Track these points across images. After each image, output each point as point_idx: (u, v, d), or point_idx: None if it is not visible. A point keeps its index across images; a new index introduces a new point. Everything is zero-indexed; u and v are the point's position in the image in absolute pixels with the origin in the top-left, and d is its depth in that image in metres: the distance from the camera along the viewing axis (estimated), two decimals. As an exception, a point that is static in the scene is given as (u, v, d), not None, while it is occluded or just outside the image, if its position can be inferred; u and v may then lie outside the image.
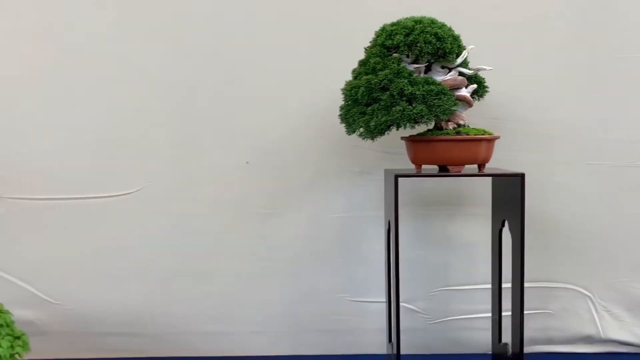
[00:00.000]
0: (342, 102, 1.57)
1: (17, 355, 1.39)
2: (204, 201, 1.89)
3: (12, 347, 1.38)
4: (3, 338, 1.37)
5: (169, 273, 1.90)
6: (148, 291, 1.90)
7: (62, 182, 1.88)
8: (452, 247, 1.92)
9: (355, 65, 1.59)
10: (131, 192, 1.89)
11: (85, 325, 1.90)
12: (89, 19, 1.83)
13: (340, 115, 1.57)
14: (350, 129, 1.52)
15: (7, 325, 1.41)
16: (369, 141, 1.61)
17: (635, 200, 1.89)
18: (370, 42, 1.52)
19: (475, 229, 1.88)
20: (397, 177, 1.46)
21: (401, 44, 1.42)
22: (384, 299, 1.85)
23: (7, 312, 1.44)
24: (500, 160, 1.70)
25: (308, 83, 1.85)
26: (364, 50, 1.54)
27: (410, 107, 1.38)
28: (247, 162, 1.88)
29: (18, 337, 1.42)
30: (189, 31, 1.85)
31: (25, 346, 1.43)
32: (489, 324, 1.83)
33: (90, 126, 1.87)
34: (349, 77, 1.60)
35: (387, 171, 1.68)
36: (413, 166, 1.57)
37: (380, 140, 1.60)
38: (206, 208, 1.89)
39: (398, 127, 1.47)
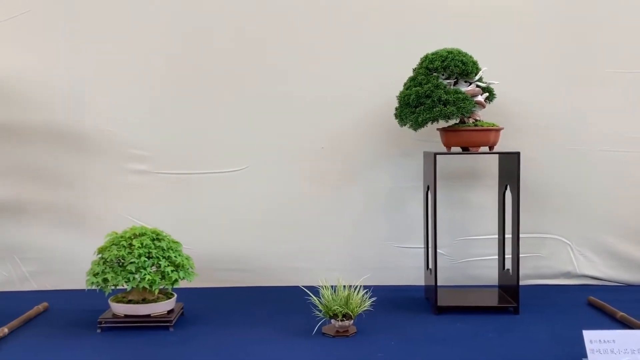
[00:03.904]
0: (396, 105, 2.32)
1: (190, 268, 2.14)
2: (292, 175, 2.64)
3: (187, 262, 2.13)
4: (182, 256, 2.12)
5: (268, 225, 2.65)
6: (252, 238, 2.66)
7: (193, 161, 2.64)
8: (469, 208, 2.65)
9: (399, 77, 2.33)
10: (240, 169, 2.65)
11: (207, 263, 2.62)
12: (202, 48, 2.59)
13: (395, 113, 2.32)
14: (403, 122, 2.27)
15: (180, 250, 2.16)
16: (411, 132, 2.35)
17: (603, 175, 2.61)
18: (417, 64, 2.26)
19: (486, 195, 2.61)
20: (435, 154, 2.20)
21: (439, 67, 2.16)
22: (420, 245, 2.59)
23: (179, 243, 2.18)
24: (507, 146, 2.39)
25: (365, 90, 2.59)
26: (412, 70, 2.28)
27: (445, 108, 2.12)
28: (323, 147, 2.63)
29: (187, 258, 2.17)
30: (279, 55, 2.58)
31: (192, 264, 2.18)
32: (495, 264, 2.55)
33: (208, 123, 2.62)
34: (395, 87, 2.33)
35: (425, 152, 2.41)
36: (442, 149, 2.30)
37: (418, 132, 2.34)
38: (293, 180, 2.64)
39: (434, 121, 2.21)
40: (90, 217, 2.64)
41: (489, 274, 2.59)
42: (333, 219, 2.66)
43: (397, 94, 2.31)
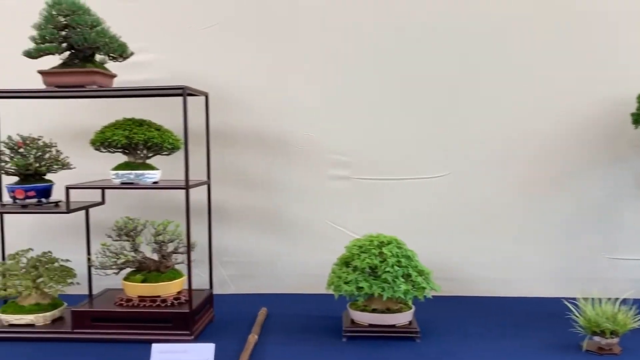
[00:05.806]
0: (635, 110, 2.21)
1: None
2: (498, 182, 2.56)
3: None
4: (422, 265, 2.07)
5: (472, 234, 2.58)
6: (456, 247, 2.59)
7: (394, 167, 2.59)
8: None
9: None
10: (442, 176, 2.59)
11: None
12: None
13: (635, 118, 2.20)
14: (649, 126, 2.17)
15: (418, 259, 2.10)
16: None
17: None
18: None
19: None
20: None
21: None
22: (633, 257, 2.47)
23: (414, 252, 2.13)
24: None
25: (576, 94, 2.49)
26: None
27: None
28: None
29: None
30: (486, 60, 2.52)
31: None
32: None
33: (410, 128, 2.57)
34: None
35: (658, 160, 2.30)
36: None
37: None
38: (500, 187, 2.56)
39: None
40: (290, 222, 2.63)
41: None
42: (540, 228, 2.56)
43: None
